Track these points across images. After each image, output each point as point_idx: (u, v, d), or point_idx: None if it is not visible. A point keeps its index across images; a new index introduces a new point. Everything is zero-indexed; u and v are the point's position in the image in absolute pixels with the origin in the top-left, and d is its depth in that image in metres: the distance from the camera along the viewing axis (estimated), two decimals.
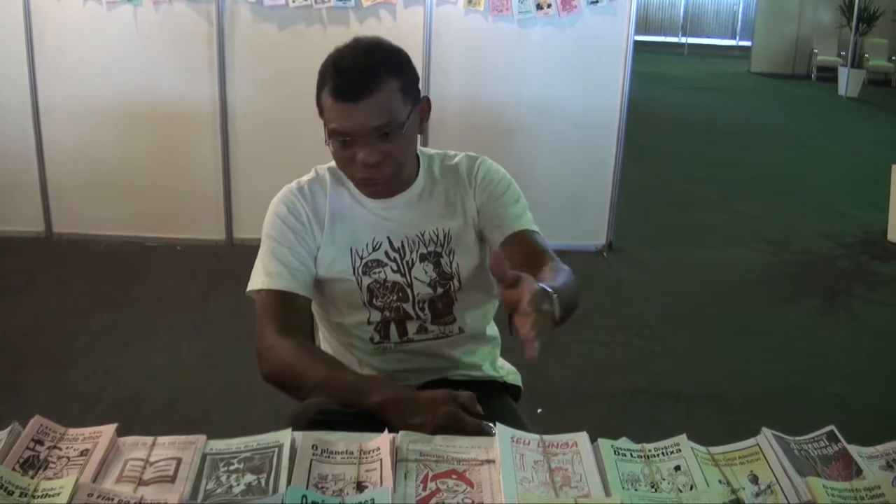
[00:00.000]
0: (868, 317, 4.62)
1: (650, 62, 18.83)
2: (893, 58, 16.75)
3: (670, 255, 5.48)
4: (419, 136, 1.76)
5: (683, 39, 23.94)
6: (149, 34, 4.80)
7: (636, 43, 5.02)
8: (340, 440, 1.25)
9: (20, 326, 3.90)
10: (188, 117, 4.96)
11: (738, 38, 25.00)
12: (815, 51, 17.41)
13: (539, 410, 3.13)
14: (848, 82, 14.66)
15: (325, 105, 1.62)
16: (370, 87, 1.57)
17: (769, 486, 1.18)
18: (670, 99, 13.70)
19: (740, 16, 25.00)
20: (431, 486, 1.16)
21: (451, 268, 1.79)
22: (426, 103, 1.73)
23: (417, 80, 1.71)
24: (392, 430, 1.30)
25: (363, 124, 1.58)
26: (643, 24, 22.09)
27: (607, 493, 1.15)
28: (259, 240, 1.77)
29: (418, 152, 1.84)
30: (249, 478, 1.15)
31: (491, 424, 1.34)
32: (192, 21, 4.79)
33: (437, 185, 1.82)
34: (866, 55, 16.23)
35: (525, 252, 1.71)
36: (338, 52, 1.62)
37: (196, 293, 4.40)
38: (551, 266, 1.62)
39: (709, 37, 25.23)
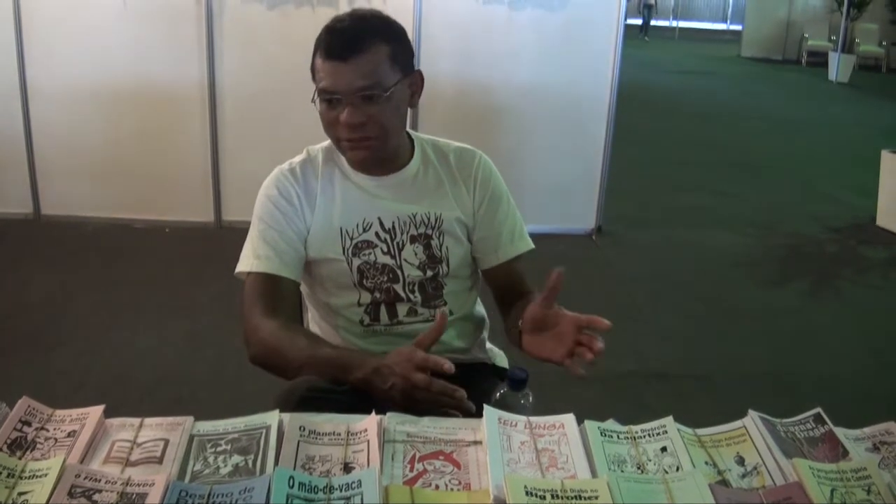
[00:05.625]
0: (856, 300, 4.64)
1: (641, 45, 18.83)
2: (884, 43, 16.77)
3: (660, 237, 5.49)
4: (410, 110, 1.77)
5: (674, 23, 23.94)
6: (137, 15, 4.76)
7: (627, 26, 5.01)
8: (327, 421, 1.25)
9: (7, 307, 3.88)
10: (177, 99, 4.93)
11: (728, 22, 25.02)
12: (806, 35, 17.44)
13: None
14: (838, 67, 14.69)
15: (315, 66, 1.64)
16: (358, 48, 1.59)
17: (755, 468, 1.18)
18: (660, 82, 13.69)
19: (731, 0, 25.01)
20: (419, 466, 1.16)
21: (440, 251, 1.79)
22: (419, 77, 1.74)
23: (412, 53, 1.73)
24: (375, 403, 1.32)
25: (349, 83, 1.59)
26: (634, 8, 22.08)
27: (594, 474, 1.15)
28: (248, 222, 1.77)
29: (412, 135, 1.84)
30: (237, 459, 1.15)
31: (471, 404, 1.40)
32: (181, 1, 4.75)
33: (431, 169, 1.82)
34: (857, 40, 16.27)
35: (509, 284, 1.86)
36: (334, 18, 1.66)
37: (184, 275, 4.38)
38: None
39: (700, 20, 25.24)
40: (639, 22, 22.07)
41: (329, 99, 1.62)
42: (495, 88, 5.09)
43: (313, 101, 1.66)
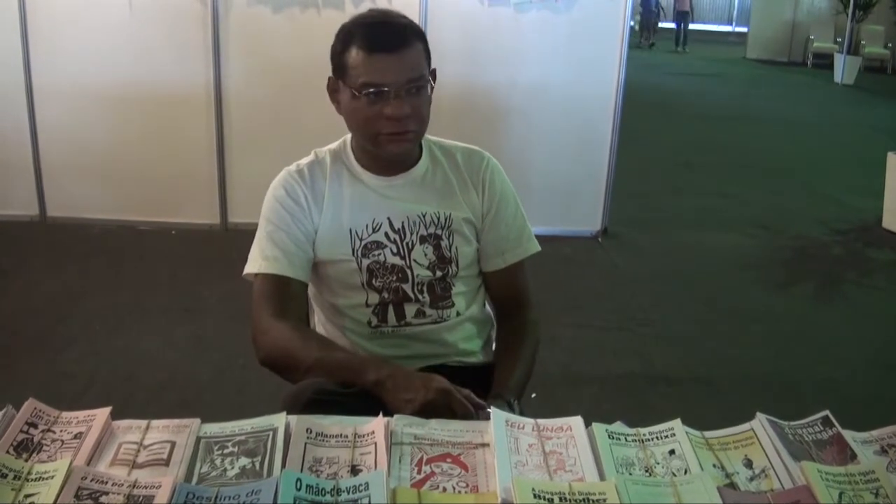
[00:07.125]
0: (861, 302, 4.63)
1: (644, 48, 18.80)
2: (889, 45, 16.74)
3: (666, 239, 5.48)
4: None
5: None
6: (143, 17, 4.77)
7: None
8: (335, 424, 1.25)
9: (13, 309, 3.89)
10: (182, 100, 4.93)
11: (734, 24, 24.98)
12: (812, 37, 17.42)
13: (533, 395, 3.13)
14: (844, 69, 14.67)
15: (352, 62, 1.62)
16: (404, 41, 1.62)
17: (763, 471, 1.18)
18: (666, 84, 13.68)
19: (737, 2, 24.98)
20: (426, 469, 1.16)
21: (450, 251, 1.79)
22: (434, 74, 1.76)
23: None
24: (385, 405, 1.31)
25: (400, 75, 1.60)
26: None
27: (601, 476, 1.15)
28: (254, 224, 1.77)
29: None
30: (244, 461, 1.15)
31: (488, 409, 1.35)
32: (187, 3, 4.75)
33: (440, 169, 1.82)
34: (862, 42, 16.25)
35: (509, 292, 1.89)
36: (360, 16, 1.67)
37: (190, 277, 4.39)
38: (520, 338, 1.81)
39: (705, 22, 25.20)
40: (672, 26, 20.76)
41: (373, 92, 1.61)
42: (501, 90, 5.08)
43: (341, 86, 1.66)
